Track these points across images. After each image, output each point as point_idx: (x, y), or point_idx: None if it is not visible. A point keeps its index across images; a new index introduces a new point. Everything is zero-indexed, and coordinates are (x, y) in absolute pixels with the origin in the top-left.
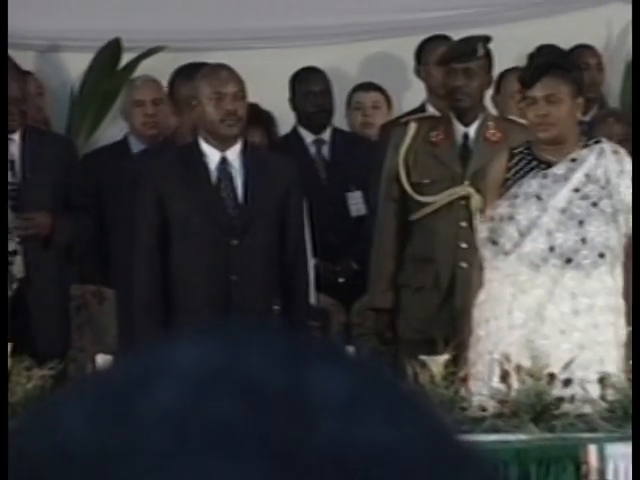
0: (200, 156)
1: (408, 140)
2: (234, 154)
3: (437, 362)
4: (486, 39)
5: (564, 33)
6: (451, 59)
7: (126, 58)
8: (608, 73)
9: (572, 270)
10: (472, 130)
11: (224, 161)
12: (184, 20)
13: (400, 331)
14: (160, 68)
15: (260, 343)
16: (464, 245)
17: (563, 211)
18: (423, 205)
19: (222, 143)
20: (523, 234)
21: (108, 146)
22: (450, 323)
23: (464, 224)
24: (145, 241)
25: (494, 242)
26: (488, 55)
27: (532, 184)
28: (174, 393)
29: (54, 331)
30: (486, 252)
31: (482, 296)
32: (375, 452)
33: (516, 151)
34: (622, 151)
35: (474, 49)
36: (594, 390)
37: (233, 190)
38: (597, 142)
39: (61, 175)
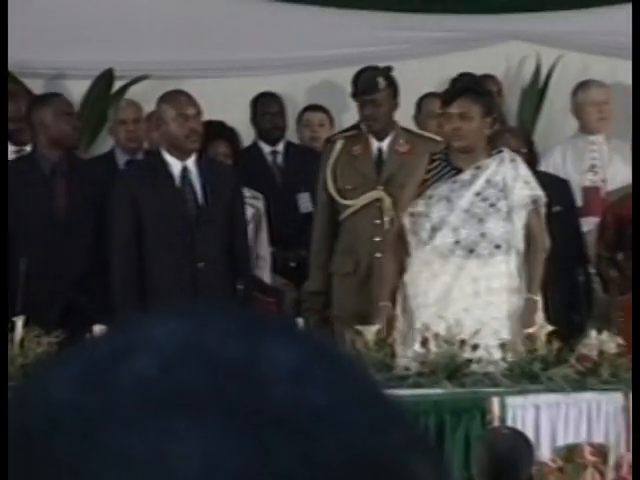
0: (164, 165)
1: (335, 154)
2: (192, 163)
3: (370, 331)
4: (387, 70)
5: (471, 65)
6: (358, 94)
7: (117, 84)
8: (507, 97)
9: (474, 259)
10: (385, 144)
11: (185, 169)
12: (165, 53)
13: (335, 309)
14: (146, 93)
15: (221, 320)
16: (378, 239)
17: (466, 211)
18: (347, 207)
19: (183, 154)
20: (435, 229)
21: (98, 156)
22: (371, 302)
23: (378, 221)
24: (122, 234)
25: (415, 234)
26: (392, 84)
27: (444, 188)
28: (147, 363)
29: (59, 307)
30: (411, 242)
31: (407, 278)
32: (320, 413)
33: (435, 157)
34: (518, 159)
35: (376, 83)
36: (496, 354)
37: (194, 193)
38: (499, 152)
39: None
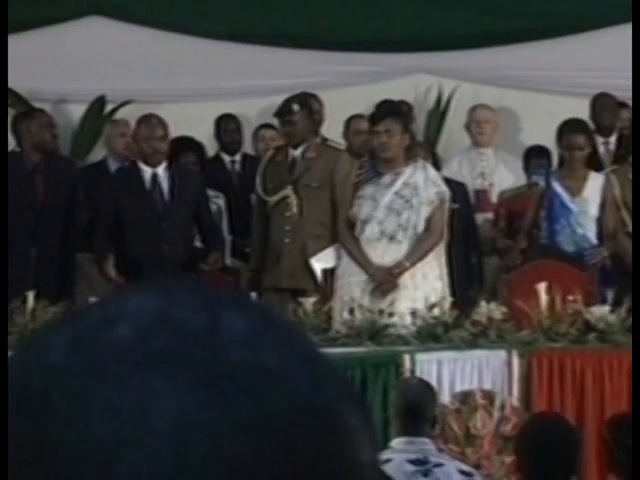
0: (138, 172)
1: (265, 161)
2: (162, 170)
3: (309, 302)
4: (303, 97)
5: (387, 93)
6: (276, 116)
7: (108, 107)
8: (416, 118)
9: (394, 245)
10: (298, 152)
11: (155, 175)
12: (145, 83)
13: (272, 283)
14: (130, 114)
15: (186, 294)
16: (287, 227)
17: (388, 207)
18: (271, 203)
19: (153, 163)
20: (365, 222)
21: (93, 163)
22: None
23: (288, 214)
24: (105, 226)
25: (352, 227)
26: (306, 107)
27: (370, 189)
28: (127, 331)
29: (63, 282)
30: (349, 232)
31: (343, 261)
32: (270, 371)
33: (364, 164)
34: (428, 165)
35: (290, 108)
36: (407, 320)
37: (161, 193)
38: (414, 160)
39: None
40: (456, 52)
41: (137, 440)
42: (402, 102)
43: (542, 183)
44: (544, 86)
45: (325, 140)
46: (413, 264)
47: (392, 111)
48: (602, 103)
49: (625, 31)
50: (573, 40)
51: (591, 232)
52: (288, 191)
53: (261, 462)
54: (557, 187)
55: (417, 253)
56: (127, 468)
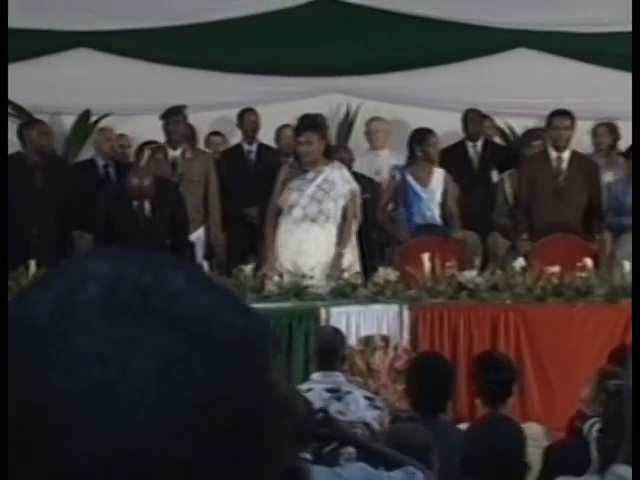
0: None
1: (145, 159)
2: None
3: (249, 268)
4: (180, 108)
5: (308, 108)
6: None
7: (93, 118)
8: (330, 128)
9: (315, 226)
10: (177, 153)
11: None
12: (121, 100)
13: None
14: (110, 124)
15: (132, 258)
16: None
17: (311, 197)
18: None
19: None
20: (291, 207)
21: (83, 161)
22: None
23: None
24: (98, 226)
25: (282, 210)
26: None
27: (297, 183)
28: (95, 289)
29: (61, 253)
30: (282, 216)
31: (280, 237)
32: (207, 312)
33: (293, 165)
34: (343, 166)
35: (175, 119)
36: (324, 281)
37: (142, 206)
38: (332, 161)
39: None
40: (361, 76)
41: (127, 380)
42: (318, 115)
43: (398, 176)
44: (428, 102)
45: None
46: (345, 247)
47: (310, 125)
48: (470, 116)
49: (495, 60)
50: (451, 68)
51: (437, 214)
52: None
53: (226, 383)
54: (411, 180)
55: (345, 239)
56: (122, 403)
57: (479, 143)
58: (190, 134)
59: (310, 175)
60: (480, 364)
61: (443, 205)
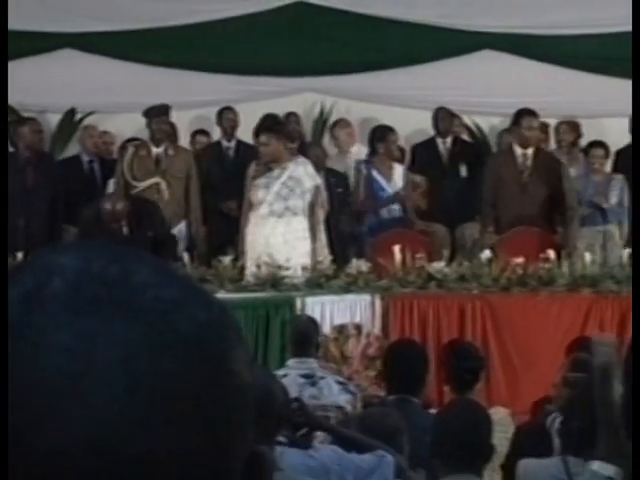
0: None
1: (129, 155)
2: None
3: (228, 259)
4: (166, 108)
5: (283, 107)
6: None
7: (77, 116)
8: (305, 126)
9: (281, 221)
10: (160, 150)
11: None
12: (104, 99)
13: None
14: (94, 121)
15: (97, 251)
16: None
17: (277, 193)
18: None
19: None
20: (259, 204)
21: (69, 157)
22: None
23: (156, 196)
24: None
25: (254, 205)
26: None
27: (264, 180)
28: (61, 283)
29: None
30: (252, 210)
31: (250, 231)
32: (176, 303)
33: (260, 164)
34: (307, 162)
35: (158, 120)
36: (299, 272)
37: None
38: (297, 158)
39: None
40: (334, 76)
41: (92, 372)
42: (291, 113)
43: (365, 171)
44: (398, 101)
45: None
46: (316, 240)
47: (267, 127)
48: (440, 114)
49: (462, 61)
50: (420, 68)
51: (399, 208)
52: (157, 179)
53: (188, 375)
54: (375, 174)
55: (316, 232)
56: (88, 395)
57: (448, 140)
58: (172, 132)
59: (275, 172)
60: (450, 352)
61: (403, 199)
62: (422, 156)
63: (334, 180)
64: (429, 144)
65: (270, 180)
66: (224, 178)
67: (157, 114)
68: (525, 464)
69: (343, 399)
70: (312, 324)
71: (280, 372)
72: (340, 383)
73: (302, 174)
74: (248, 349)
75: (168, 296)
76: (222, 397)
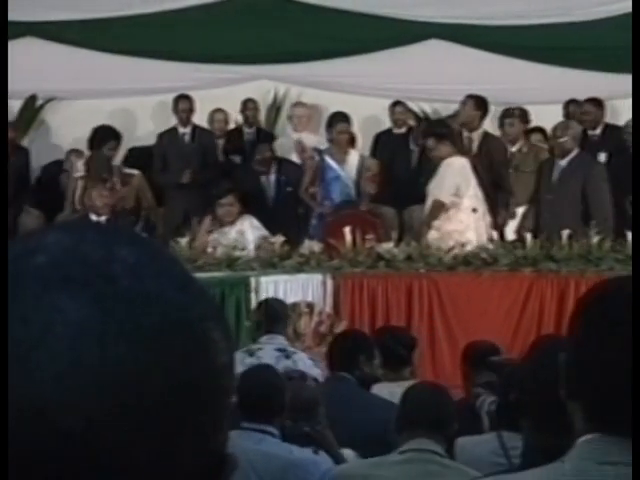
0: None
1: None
2: None
3: (184, 241)
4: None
5: (240, 94)
6: None
7: (38, 102)
8: (261, 111)
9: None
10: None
11: None
12: (64, 85)
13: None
14: (54, 108)
15: (91, 233)
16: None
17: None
18: None
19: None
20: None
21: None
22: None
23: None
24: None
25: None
26: None
27: (216, 235)
28: (43, 260)
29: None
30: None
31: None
32: (148, 296)
33: (214, 219)
34: (252, 217)
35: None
36: (253, 253)
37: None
38: (244, 216)
39: None
40: (287, 64)
41: (43, 344)
42: (249, 100)
43: (317, 158)
44: (348, 89)
45: None
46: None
47: (229, 190)
48: (398, 108)
49: (411, 50)
50: (373, 56)
51: (352, 191)
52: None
53: (137, 366)
54: (329, 160)
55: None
56: (36, 365)
57: (403, 129)
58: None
59: (226, 229)
60: (382, 336)
61: (357, 183)
62: (384, 144)
63: (284, 179)
64: (388, 132)
65: (221, 235)
66: (180, 161)
67: (102, 144)
68: (462, 442)
69: (316, 372)
70: (282, 304)
71: (254, 346)
72: (310, 359)
73: (247, 228)
74: (228, 331)
75: (140, 289)
76: (183, 385)
